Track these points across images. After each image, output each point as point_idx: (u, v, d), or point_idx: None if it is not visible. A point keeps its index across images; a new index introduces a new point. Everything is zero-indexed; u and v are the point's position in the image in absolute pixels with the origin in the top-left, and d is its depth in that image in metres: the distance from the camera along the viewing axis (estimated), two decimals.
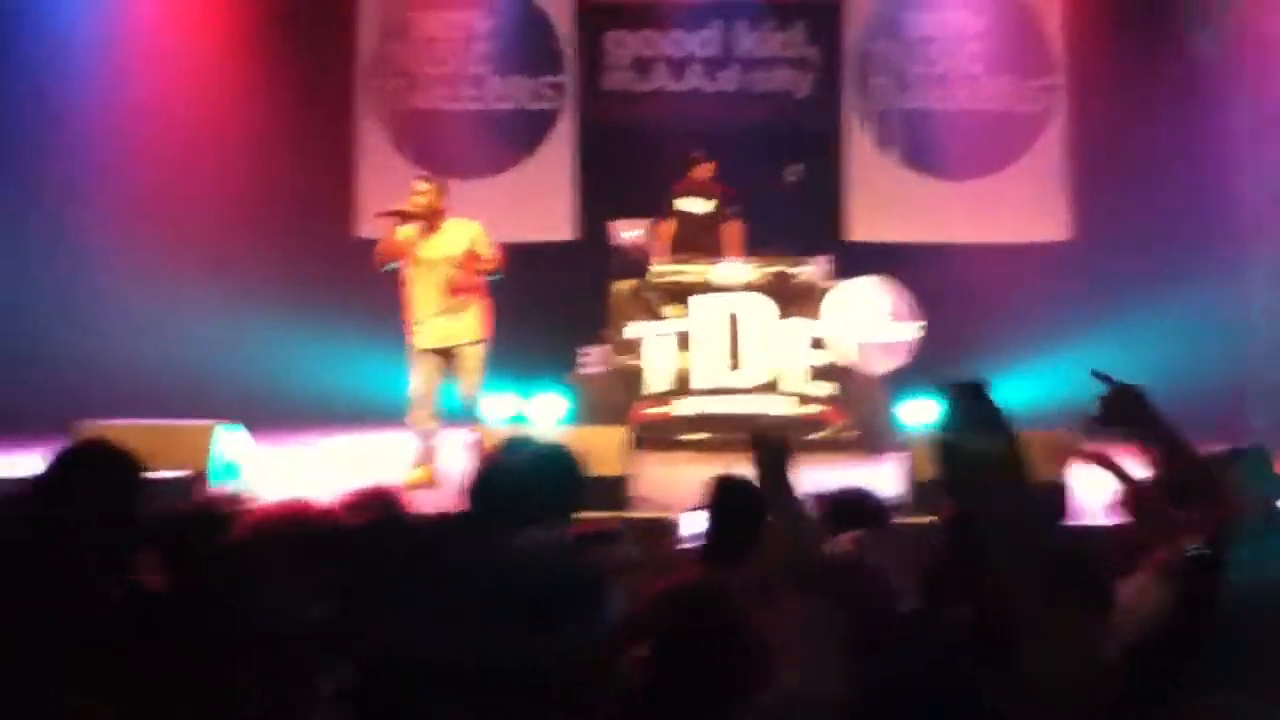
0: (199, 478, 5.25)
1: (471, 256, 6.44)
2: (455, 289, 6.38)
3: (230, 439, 5.60)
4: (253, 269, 8.92)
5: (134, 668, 1.62)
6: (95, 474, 2.09)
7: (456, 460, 6.21)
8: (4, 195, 8.77)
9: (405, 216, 6.37)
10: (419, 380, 6.44)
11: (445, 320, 6.42)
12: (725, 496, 3.19)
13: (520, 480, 2.96)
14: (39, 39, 8.81)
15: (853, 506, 3.18)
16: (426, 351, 6.44)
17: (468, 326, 6.47)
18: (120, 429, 5.29)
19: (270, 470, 5.96)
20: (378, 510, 2.91)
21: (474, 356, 6.48)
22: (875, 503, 3.31)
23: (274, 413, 7.42)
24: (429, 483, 6.22)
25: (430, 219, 6.37)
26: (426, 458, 6.43)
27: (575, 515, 3.37)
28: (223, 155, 9.18)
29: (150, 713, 1.61)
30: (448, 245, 6.42)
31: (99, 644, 1.73)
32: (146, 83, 9.12)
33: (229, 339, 8.69)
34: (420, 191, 6.43)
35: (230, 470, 5.54)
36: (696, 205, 8.43)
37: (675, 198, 8.50)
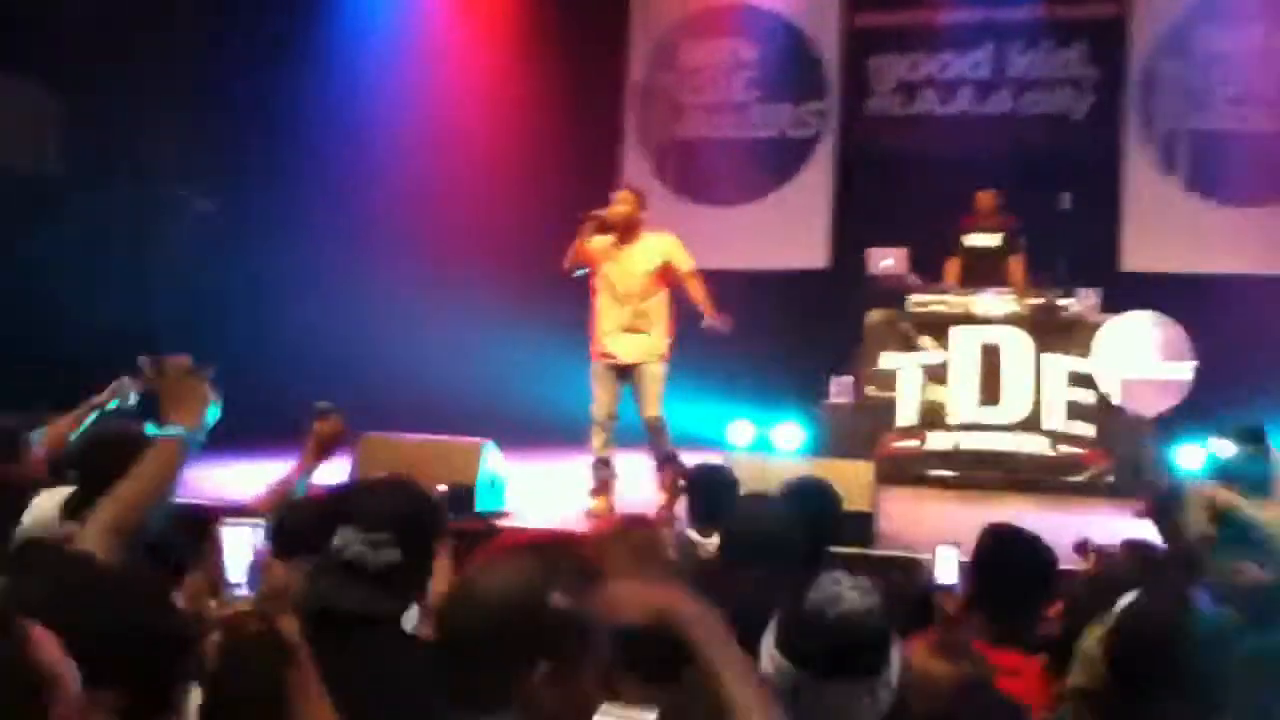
0: (470, 491, 5.59)
1: (667, 269, 6.08)
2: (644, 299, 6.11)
3: (495, 456, 5.94)
4: (504, 288, 9.03)
5: None
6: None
7: (635, 487, 6.08)
8: (287, 200, 9.13)
9: (603, 225, 6.04)
10: (598, 399, 6.12)
11: (628, 337, 6.09)
12: (1003, 549, 3.00)
13: (783, 520, 2.99)
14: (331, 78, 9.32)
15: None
16: (606, 368, 6.12)
17: (651, 345, 6.08)
18: (400, 443, 5.79)
19: (523, 489, 6.21)
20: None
21: (653, 376, 6.05)
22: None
23: (513, 430, 7.00)
24: (608, 514, 5.83)
25: (626, 231, 6.06)
26: (604, 487, 6.09)
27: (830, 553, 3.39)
28: (490, 180, 9.54)
29: None
30: (640, 259, 6.09)
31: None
32: (424, 104, 9.57)
33: (482, 354, 8.80)
34: (620, 200, 6.12)
35: (496, 486, 5.89)
36: (984, 239, 8.22)
37: (962, 232, 8.29)
